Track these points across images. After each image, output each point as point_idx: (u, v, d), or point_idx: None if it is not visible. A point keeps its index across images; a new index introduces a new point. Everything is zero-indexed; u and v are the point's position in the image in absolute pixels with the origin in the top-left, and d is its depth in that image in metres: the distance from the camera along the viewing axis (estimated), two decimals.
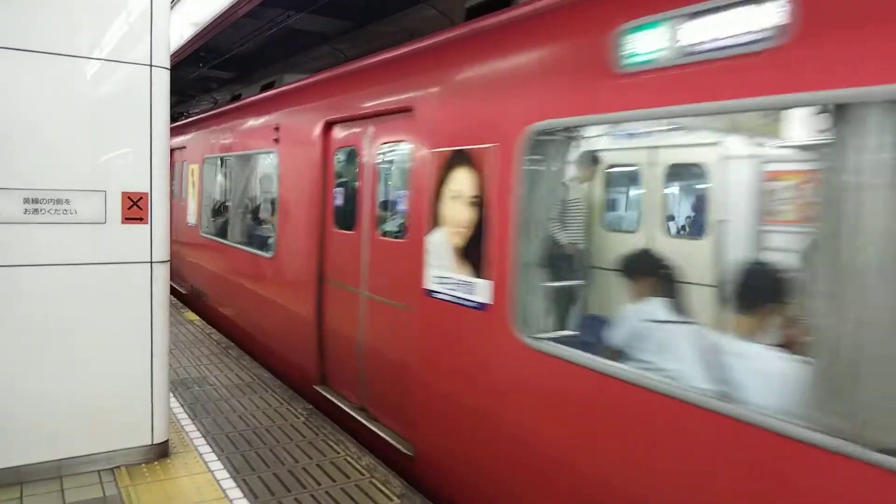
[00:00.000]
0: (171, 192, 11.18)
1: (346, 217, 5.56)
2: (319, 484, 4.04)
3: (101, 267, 3.94)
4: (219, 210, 9.66)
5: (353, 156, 5.51)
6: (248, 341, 7.46)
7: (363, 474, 4.20)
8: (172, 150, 11.42)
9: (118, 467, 4.05)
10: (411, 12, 8.94)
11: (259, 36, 10.36)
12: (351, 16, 9.60)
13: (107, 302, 3.99)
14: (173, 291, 10.52)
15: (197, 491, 3.85)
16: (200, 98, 14.55)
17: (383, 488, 4.02)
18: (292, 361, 6.31)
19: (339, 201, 5.69)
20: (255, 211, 8.59)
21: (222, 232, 8.96)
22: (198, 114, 11.89)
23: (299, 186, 6.17)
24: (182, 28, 9.12)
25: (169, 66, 4.10)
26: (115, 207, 3.95)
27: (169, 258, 4.22)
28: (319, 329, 5.75)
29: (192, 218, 10.08)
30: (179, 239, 10.77)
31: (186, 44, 9.91)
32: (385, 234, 5.15)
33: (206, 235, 9.41)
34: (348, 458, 4.42)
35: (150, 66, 3.98)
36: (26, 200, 3.69)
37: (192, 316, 9.07)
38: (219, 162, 9.67)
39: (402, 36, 9.48)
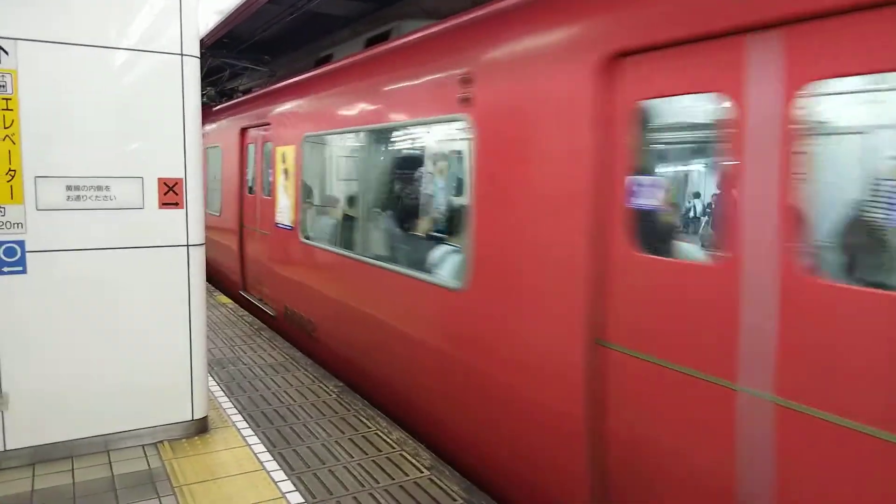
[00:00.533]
0: (245, 183, 9.22)
1: (697, 229, 3.38)
2: (352, 457, 4.19)
3: (141, 251, 4.10)
4: (331, 207, 7.31)
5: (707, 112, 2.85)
6: (407, 411, 5.00)
7: (394, 447, 4.34)
8: (244, 130, 9.26)
9: (161, 442, 4.25)
10: None
11: (280, 21, 10.47)
12: None
13: (147, 284, 4.16)
14: (248, 308, 8.87)
15: (236, 463, 4.02)
16: (252, 71, 14.51)
17: (413, 460, 4.16)
18: (525, 478, 3.77)
19: (647, 199, 3.00)
20: (410, 211, 6.01)
21: (342, 240, 6.55)
22: (281, 80, 8.98)
23: (529, 173, 3.64)
24: (207, 16, 9.22)
25: (199, 55, 4.23)
26: (152, 193, 4.10)
27: (204, 241, 4.37)
28: (597, 439, 3.23)
29: (284, 217, 7.42)
30: (262, 242, 8.40)
31: (211, 32, 10.02)
32: None
33: (311, 243, 6.82)
34: (379, 433, 4.57)
35: (181, 55, 4.11)
36: (68, 188, 3.86)
37: (224, 299, 9.29)
38: (334, 141, 7.11)
39: (423, 17, 9.52)
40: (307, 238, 6.94)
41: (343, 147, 7.05)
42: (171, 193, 4.15)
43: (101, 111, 3.96)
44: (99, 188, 3.94)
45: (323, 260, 6.57)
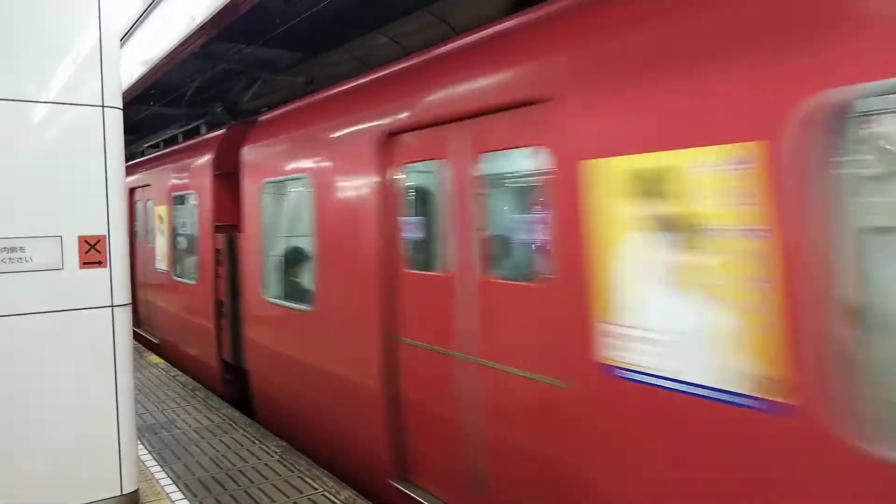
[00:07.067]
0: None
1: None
2: None
3: (60, 314, 3.81)
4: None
5: None
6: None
7: None
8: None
9: None
10: (361, 40, 8.99)
11: (210, 71, 10.28)
12: (301, 47, 9.61)
13: (67, 350, 3.86)
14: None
15: None
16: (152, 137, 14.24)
17: None
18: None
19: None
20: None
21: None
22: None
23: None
24: (132, 67, 8.97)
25: (121, 106, 4.04)
26: (72, 252, 3.84)
27: (130, 301, 4.10)
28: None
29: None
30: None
31: (137, 82, 9.74)
32: None
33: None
34: (325, 493, 4.33)
35: (103, 106, 3.91)
36: None
37: (155, 359, 8.83)
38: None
39: (354, 64, 9.53)
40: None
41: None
42: (93, 252, 3.90)
43: (15, 167, 3.70)
44: (12, 250, 3.66)
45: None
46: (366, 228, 4.55)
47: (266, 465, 4.84)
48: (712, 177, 2.42)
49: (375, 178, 4.45)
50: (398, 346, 4.35)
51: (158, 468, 4.77)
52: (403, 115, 4.23)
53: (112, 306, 3.97)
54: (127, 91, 9.94)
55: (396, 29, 8.43)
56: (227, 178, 7.10)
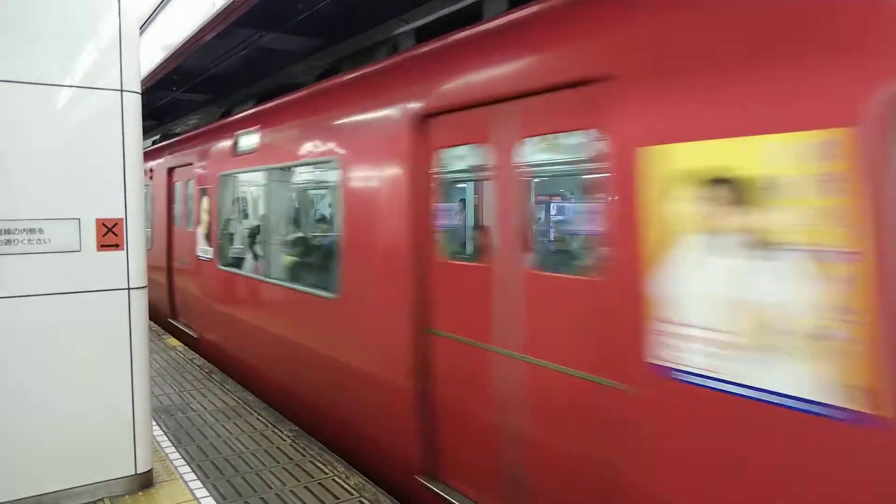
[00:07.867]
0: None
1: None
2: None
3: (78, 296, 3.88)
4: None
5: None
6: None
7: (352, 493, 4.15)
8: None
9: (101, 500, 3.97)
10: (384, 27, 8.97)
11: (231, 57, 10.32)
12: (323, 33, 9.61)
13: (84, 331, 3.92)
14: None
15: None
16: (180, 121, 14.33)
17: None
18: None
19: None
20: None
21: None
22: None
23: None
24: (153, 52, 9.02)
25: (140, 91, 4.07)
26: (90, 235, 3.89)
27: (146, 284, 4.16)
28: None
29: None
30: None
31: (158, 68, 9.81)
32: None
33: None
34: (336, 479, 4.37)
35: (121, 91, 3.95)
36: None
37: (173, 342, 8.94)
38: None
39: (379, 48, 9.52)
40: None
41: None
42: (110, 235, 3.95)
43: (35, 150, 3.75)
44: (31, 231, 3.72)
45: None
46: None
47: (278, 448, 4.89)
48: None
49: None
50: None
51: (173, 449, 4.85)
52: None
53: (129, 289, 4.03)
54: (148, 77, 10.01)
55: (419, 15, 8.40)
56: None
